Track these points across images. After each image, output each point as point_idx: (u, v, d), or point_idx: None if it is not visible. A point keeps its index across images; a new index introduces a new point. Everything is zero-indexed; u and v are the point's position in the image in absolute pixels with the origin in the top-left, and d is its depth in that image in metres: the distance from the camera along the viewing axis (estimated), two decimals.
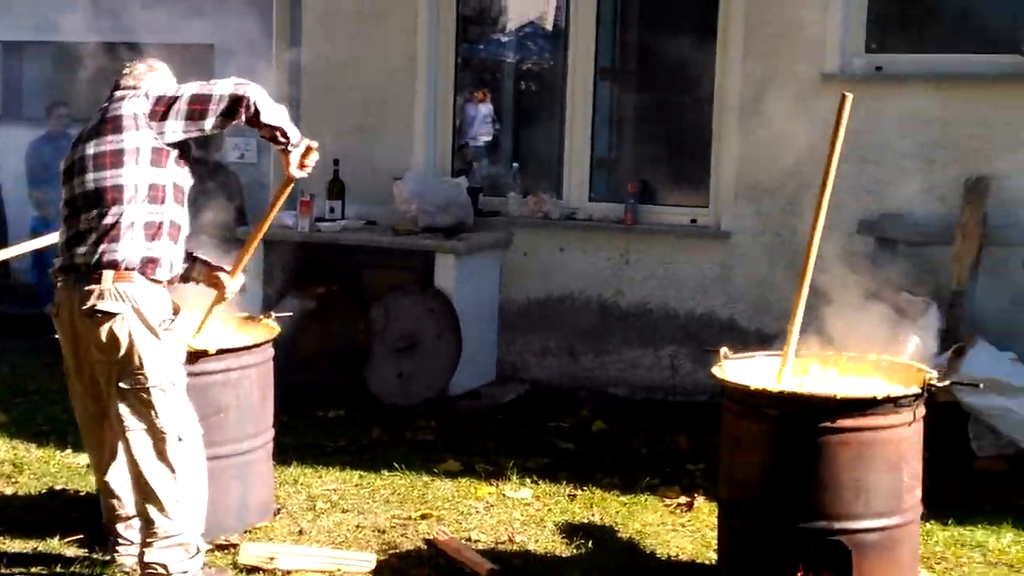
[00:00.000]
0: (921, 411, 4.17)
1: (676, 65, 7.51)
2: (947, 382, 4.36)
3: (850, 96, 4.23)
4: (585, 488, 5.46)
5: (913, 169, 6.60)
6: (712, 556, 4.62)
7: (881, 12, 6.84)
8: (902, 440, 4.13)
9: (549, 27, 8.42)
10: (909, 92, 6.60)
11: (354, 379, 6.94)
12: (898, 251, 6.54)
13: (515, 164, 7.77)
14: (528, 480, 5.55)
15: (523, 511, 5.20)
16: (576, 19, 7.48)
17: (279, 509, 5.12)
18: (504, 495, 5.38)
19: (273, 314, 5.10)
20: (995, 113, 6.44)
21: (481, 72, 8.50)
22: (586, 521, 5.09)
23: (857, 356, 4.56)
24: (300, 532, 4.91)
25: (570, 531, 4.96)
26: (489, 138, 8.42)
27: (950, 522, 5.02)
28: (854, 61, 6.79)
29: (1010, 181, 6.39)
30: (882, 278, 6.28)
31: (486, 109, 8.33)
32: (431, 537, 4.84)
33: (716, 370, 4.37)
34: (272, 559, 4.50)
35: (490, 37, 8.56)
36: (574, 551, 4.77)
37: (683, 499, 5.30)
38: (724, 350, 4.46)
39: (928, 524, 4.90)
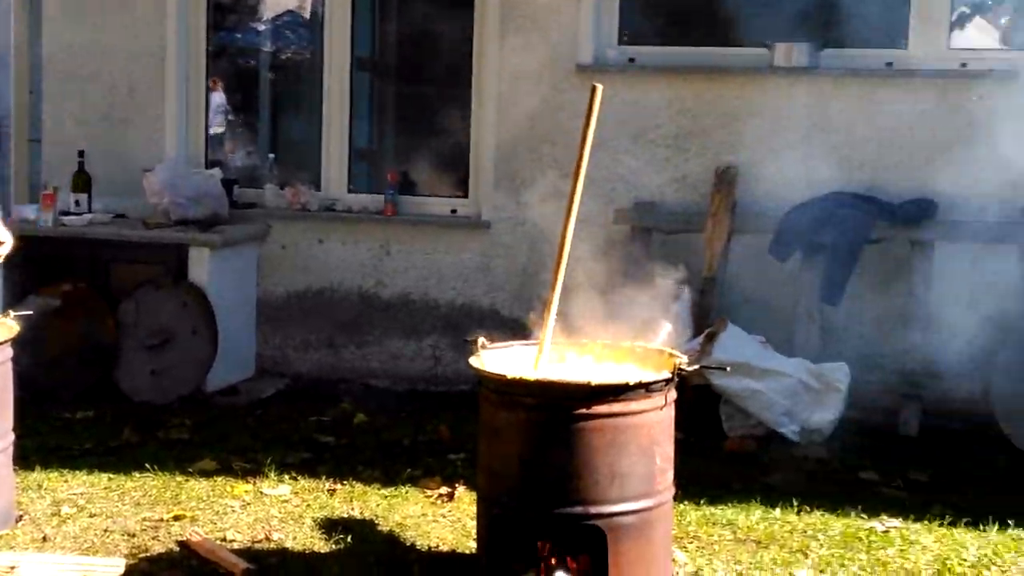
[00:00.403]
0: (672, 395, 4.25)
1: (435, 55, 7.52)
2: (697, 366, 4.45)
3: (600, 87, 4.29)
4: (345, 482, 5.38)
5: (666, 158, 6.77)
6: (472, 545, 4.61)
7: (633, 4, 6.99)
8: (654, 424, 4.20)
9: (307, 16, 8.27)
10: (661, 83, 6.77)
11: (104, 378, 6.69)
12: (652, 239, 6.68)
13: (272, 155, 7.61)
14: (287, 476, 5.43)
15: (281, 508, 5.08)
16: (332, 8, 7.37)
17: (21, 516, 4.87)
18: (262, 492, 5.25)
19: (12, 313, 4.85)
20: (743, 104, 6.65)
21: (237, 61, 8.30)
22: (346, 516, 5.02)
23: (612, 343, 4.62)
24: (44, 539, 4.68)
25: (329, 526, 4.88)
26: (222, 128, 8.21)
27: (703, 502, 5.15)
28: (608, 52, 6.91)
29: (758, 170, 6.61)
30: (637, 266, 6.43)
31: (220, 98, 8.10)
32: (184, 539, 4.68)
33: (474, 360, 4.35)
34: (12, 568, 4.27)
35: (247, 25, 8.35)
36: (333, 546, 4.69)
37: (444, 490, 5.28)
38: (482, 340, 4.45)
39: (682, 504, 5.02)
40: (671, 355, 4.42)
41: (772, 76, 6.61)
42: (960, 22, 6.98)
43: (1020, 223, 6.21)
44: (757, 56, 6.70)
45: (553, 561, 4.10)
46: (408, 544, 4.74)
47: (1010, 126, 6.18)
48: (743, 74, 6.67)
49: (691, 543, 4.78)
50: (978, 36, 7.27)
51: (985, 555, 4.70)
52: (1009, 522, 4.98)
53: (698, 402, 6.10)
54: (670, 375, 4.20)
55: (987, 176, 6.32)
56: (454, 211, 7.23)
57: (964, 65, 6.45)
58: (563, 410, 4.10)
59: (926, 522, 5.01)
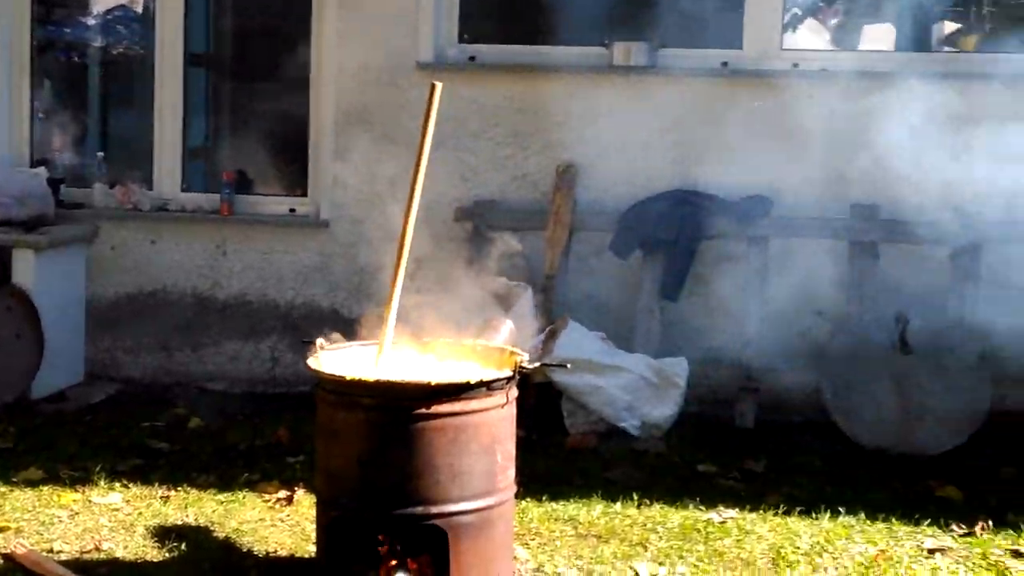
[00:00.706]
0: (514, 393, 4.23)
1: (272, 52, 7.38)
2: (538, 364, 4.45)
3: (439, 85, 4.26)
4: (180, 489, 5.24)
5: (506, 156, 6.77)
6: (312, 549, 4.53)
7: (473, 2, 6.97)
8: (496, 422, 4.17)
9: (139, 10, 8.05)
10: (502, 81, 6.77)
11: None
12: (495, 237, 6.66)
13: (100, 153, 7.37)
14: (118, 484, 5.26)
15: (111, 517, 4.92)
16: (164, 2, 7.18)
17: None
18: (91, 501, 5.07)
19: None
20: (583, 103, 6.68)
21: (65, 56, 8.02)
22: (180, 523, 4.88)
23: (453, 342, 4.59)
24: None
25: (163, 534, 4.73)
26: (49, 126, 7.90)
27: (545, 498, 5.15)
28: (448, 51, 6.88)
29: (598, 168, 6.66)
30: (479, 264, 6.42)
31: (47, 95, 7.81)
32: (8, 551, 4.49)
33: (312, 361, 4.27)
34: None
35: (76, 20, 8.08)
36: (166, 554, 4.55)
37: (283, 493, 5.18)
38: (320, 340, 4.37)
39: (524, 502, 5.02)
40: (512, 353, 4.40)
41: (611, 75, 6.67)
42: (792, 24, 7.14)
43: (850, 218, 6.37)
44: (596, 55, 6.74)
45: (394, 562, 4.05)
46: (245, 550, 4.64)
47: (840, 125, 6.37)
48: (583, 73, 6.71)
49: (533, 540, 4.77)
50: (810, 37, 7.46)
51: (818, 543, 4.80)
52: (840, 510, 5.10)
53: (540, 399, 6.13)
54: (511, 373, 4.19)
55: (818, 173, 6.49)
56: (292, 210, 7.11)
57: (796, 65, 6.60)
58: (403, 410, 4.04)
59: (762, 512, 5.10)
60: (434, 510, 4.06)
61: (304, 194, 7.11)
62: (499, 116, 6.77)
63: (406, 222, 4.30)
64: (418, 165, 4.25)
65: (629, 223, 6.44)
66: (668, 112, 6.62)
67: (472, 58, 6.88)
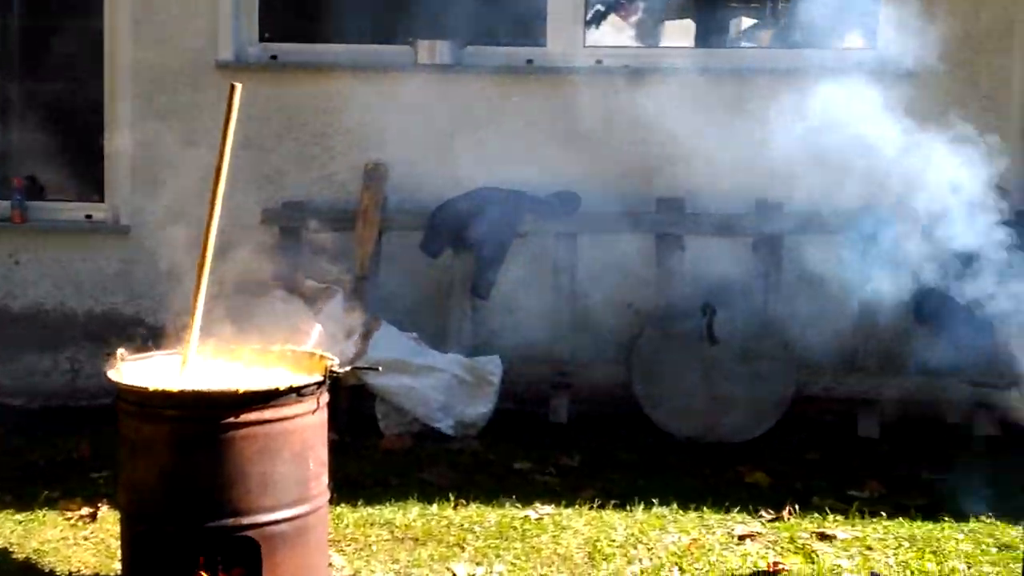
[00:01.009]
0: (325, 398, 4.16)
1: (63, 52, 7.09)
2: (348, 368, 4.38)
3: (239, 86, 4.17)
4: None
5: (313, 157, 6.67)
6: (117, 567, 4.36)
7: (275, 0, 6.84)
8: (307, 429, 4.10)
9: None
10: (306, 80, 6.66)
11: None
12: (303, 239, 6.56)
13: None
14: None
15: None
16: None
17: None
18: None
19: None
20: (390, 101, 6.62)
21: None
22: None
23: (262, 348, 4.49)
24: None
25: None
26: None
27: (360, 503, 5.09)
28: (248, 50, 6.74)
29: (406, 167, 6.60)
30: (288, 267, 6.31)
31: None
32: None
33: (113, 373, 4.11)
34: None
35: None
36: None
37: (86, 510, 4.98)
38: (120, 351, 4.22)
39: (339, 507, 4.95)
40: (322, 357, 4.33)
41: (417, 73, 6.62)
42: (596, 20, 7.22)
43: (656, 213, 6.46)
44: (401, 53, 6.69)
45: None
46: (47, 571, 4.45)
47: (645, 120, 6.45)
48: (388, 71, 6.64)
49: (349, 545, 4.70)
50: (614, 34, 7.55)
51: (632, 534, 4.86)
52: (654, 501, 5.18)
53: (354, 402, 6.06)
54: (321, 378, 4.11)
55: (625, 169, 6.58)
56: (89, 216, 6.85)
57: (599, 62, 6.67)
58: (210, 420, 3.93)
59: (577, 507, 5.14)
60: (246, 521, 3.96)
61: (101, 199, 6.86)
62: (304, 116, 6.66)
63: (209, 226, 4.18)
64: (219, 168, 4.14)
65: (439, 222, 6.41)
66: (475, 110, 6.62)
67: (274, 57, 6.75)
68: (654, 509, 5.13)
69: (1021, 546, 4.49)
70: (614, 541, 4.80)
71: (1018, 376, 4.17)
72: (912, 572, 4.56)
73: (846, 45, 6.75)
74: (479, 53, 6.69)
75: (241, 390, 3.96)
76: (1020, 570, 4.28)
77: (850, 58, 6.51)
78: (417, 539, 4.78)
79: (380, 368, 4.61)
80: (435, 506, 5.10)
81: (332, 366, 4.18)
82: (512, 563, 4.58)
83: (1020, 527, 4.35)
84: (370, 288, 6.41)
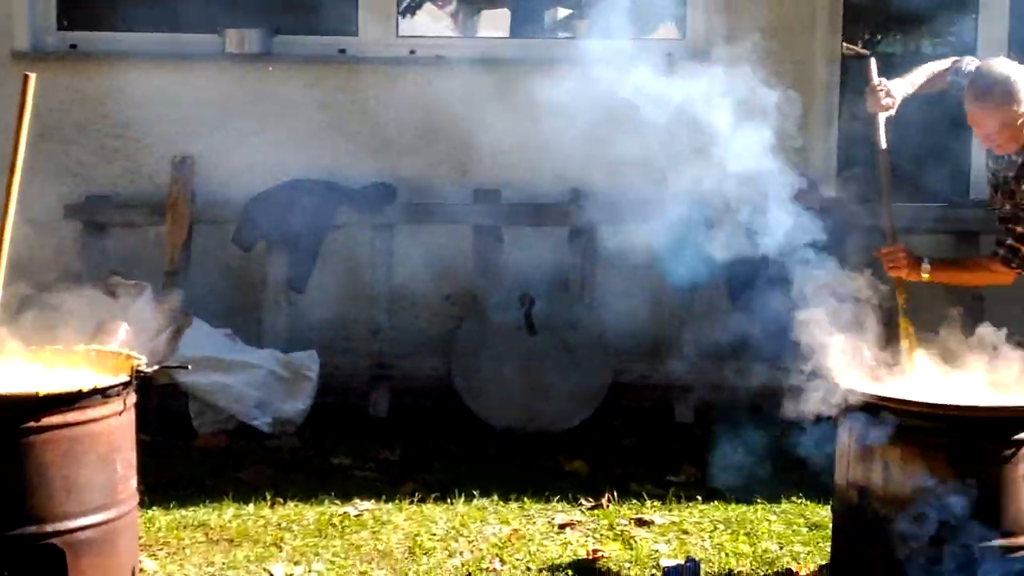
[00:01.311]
0: (132, 399, 4.01)
1: None
2: (157, 366, 4.23)
3: (33, 76, 4.00)
4: None
5: (116, 149, 6.45)
6: None
7: None
8: (114, 431, 3.95)
9: None
10: (108, 70, 6.43)
11: None
12: (108, 234, 6.35)
13: None
14: None
15: None
16: None
17: None
18: None
19: None
20: (197, 92, 6.46)
21: None
22: None
23: (64, 348, 4.31)
24: None
25: None
26: None
27: (173, 504, 4.95)
28: (46, 38, 6.48)
29: (216, 159, 6.45)
30: (93, 263, 6.10)
31: None
32: None
33: None
34: None
35: None
36: None
37: None
38: None
39: (151, 510, 4.81)
40: (129, 357, 4.18)
41: (225, 63, 6.47)
42: (410, 10, 7.16)
43: (473, 203, 6.45)
44: (209, 42, 6.52)
45: None
46: None
47: (460, 111, 6.42)
48: (195, 61, 6.47)
49: (161, 549, 4.57)
50: (431, 24, 7.51)
51: (453, 527, 4.84)
52: (475, 493, 5.17)
53: (166, 401, 5.89)
54: (128, 378, 3.97)
55: (441, 159, 6.55)
56: None
57: (413, 52, 6.61)
58: (9, 424, 3.75)
59: (397, 501, 5.09)
60: (49, 528, 3.80)
61: None
62: (107, 107, 6.43)
63: (4, 223, 3.99)
64: (14, 162, 3.96)
65: (252, 214, 6.27)
66: (288, 100, 6.49)
67: (74, 46, 6.50)
68: (475, 501, 5.11)
69: (830, 525, 4.60)
70: (435, 535, 4.77)
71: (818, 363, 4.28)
72: (727, 554, 4.66)
73: (657, 34, 6.84)
74: (290, 42, 6.57)
75: (41, 392, 3.79)
76: (830, 548, 4.39)
77: (660, 48, 6.59)
78: (232, 540, 4.66)
79: (190, 366, 4.47)
80: (251, 506, 4.99)
81: (139, 365, 4.04)
82: (331, 561, 4.51)
83: (829, 506, 4.47)
84: (180, 284, 6.23)
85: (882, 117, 4.42)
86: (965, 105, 4.10)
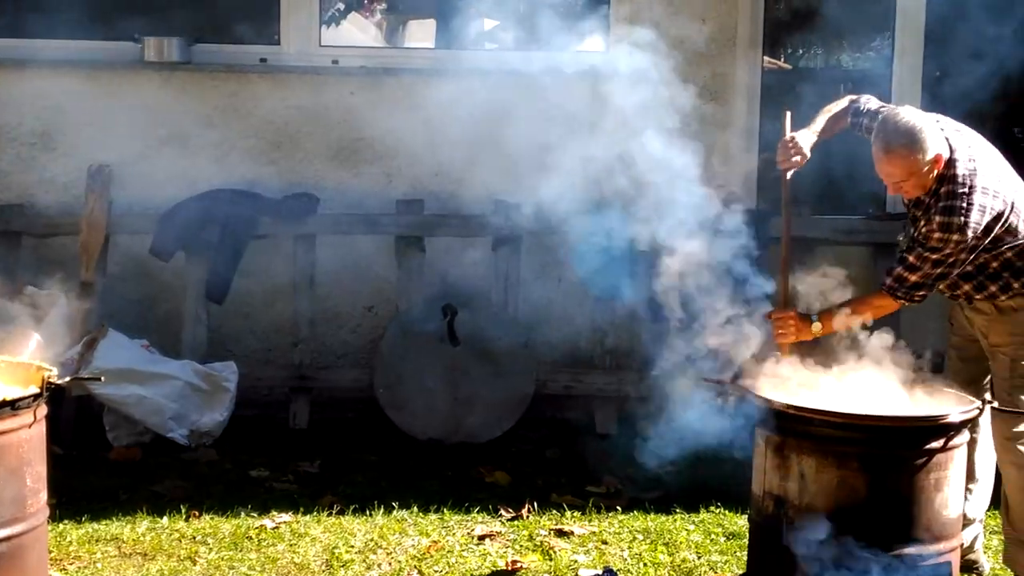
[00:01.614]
0: (43, 411, 3.95)
1: None
2: (69, 378, 4.16)
3: None
4: None
5: (34, 157, 6.34)
6: None
7: None
8: (23, 443, 3.88)
9: None
10: (22, 78, 6.34)
11: None
12: (23, 244, 6.24)
13: None
14: None
15: None
16: None
17: None
18: None
19: None
20: (115, 100, 6.37)
21: None
22: None
23: None
24: None
25: None
26: None
27: (85, 518, 4.87)
28: None
29: (134, 168, 6.37)
30: (7, 273, 5.99)
31: None
32: None
33: None
34: None
35: None
36: None
37: None
38: None
39: (62, 524, 4.73)
40: (40, 368, 4.11)
41: (144, 71, 6.38)
42: (334, 20, 7.12)
43: (396, 214, 6.42)
44: (127, 50, 6.43)
45: None
46: None
47: (383, 121, 6.41)
48: (113, 69, 6.38)
49: (72, 564, 4.49)
50: (356, 34, 7.47)
51: (372, 539, 4.80)
52: (394, 505, 5.14)
53: (80, 413, 5.79)
54: (39, 390, 3.90)
55: (364, 169, 6.51)
56: None
57: (336, 62, 6.56)
58: None
59: (316, 513, 5.04)
60: None
61: None
62: (22, 115, 6.33)
63: None
64: None
65: (170, 224, 6.19)
66: (207, 109, 6.42)
67: None
68: (395, 513, 5.08)
69: (747, 534, 4.62)
70: (353, 547, 4.73)
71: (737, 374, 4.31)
72: (646, 564, 4.67)
73: (581, 47, 6.86)
74: (210, 51, 6.49)
75: None
76: (746, 558, 4.42)
77: (583, 60, 6.61)
78: (146, 554, 4.59)
79: (103, 377, 4.39)
80: (166, 519, 4.92)
81: (51, 377, 3.97)
82: (246, 574, 4.46)
83: (746, 516, 4.50)
84: (96, 294, 6.13)
85: (790, 173, 4.44)
86: (873, 154, 4.15)
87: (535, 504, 5.20)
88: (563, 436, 6.23)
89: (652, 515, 5.16)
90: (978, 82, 7.21)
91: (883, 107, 4.38)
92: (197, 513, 4.98)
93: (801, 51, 8.58)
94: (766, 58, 7.09)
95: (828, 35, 7.93)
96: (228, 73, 6.43)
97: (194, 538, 4.75)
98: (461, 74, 6.48)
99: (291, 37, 6.55)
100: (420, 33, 7.83)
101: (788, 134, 4.42)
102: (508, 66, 6.67)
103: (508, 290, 6.42)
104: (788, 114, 4.49)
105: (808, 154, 4.38)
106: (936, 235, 4.06)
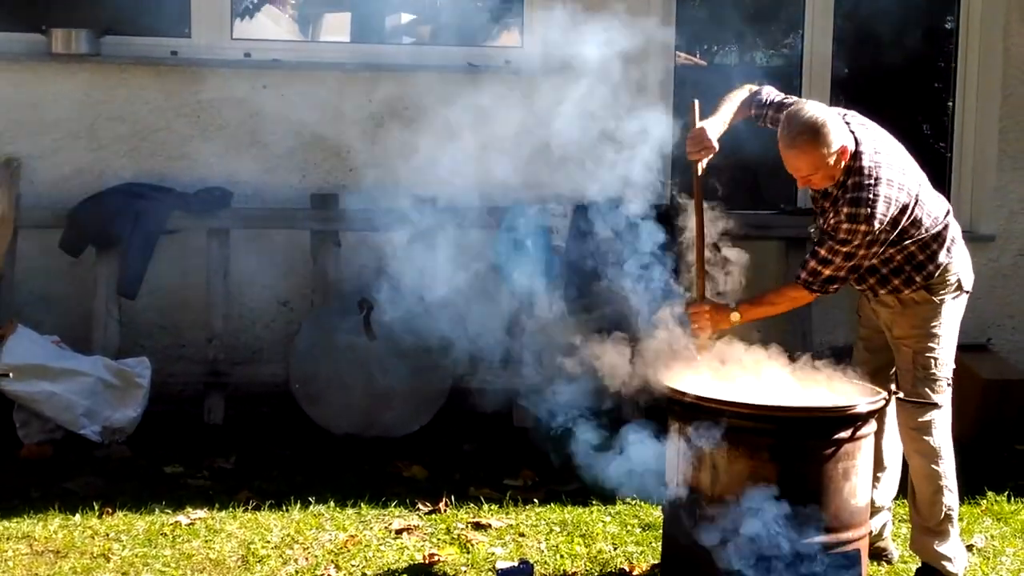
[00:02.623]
0: None
1: None
2: None
3: None
4: None
5: None
6: None
7: None
8: None
9: None
10: None
11: None
12: None
13: None
14: None
15: None
16: None
17: None
18: None
19: None
20: (22, 92, 6.27)
21: None
22: None
23: None
24: None
25: None
26: None
27: None
28: None
29: (43, 161, 6.28)
30: None
31: None
32: None
33: None
34: None
35: None
36: None
37: None
38: None
39: None
40: None
41: (52, 63, 6.28)
42: (248, 12, 7.05)
43: (310, 208, 6.38)
44: (34, 42, 6.31)
45: None
46: None
47: (297, 115, 6.37)
48: (20, 60, 6.27)
49: None
50: (270, 27, 7.40)
51: (288, 535, 4.78)
52: (311, 500, 5.11)
53: None
54: None
55: (278, 163, 6.47)
56: None
57: (248, 55, 6.51)
58: None
59: (232, 509, 5.01)
60: None
61: None
62: None
63: None
64: None
65: (80, 219, 6.10)
66: (117, 102, 6.34)
67: None
68: (311, 508, 5.06)
69: (662, 525, 4.68)
70: (269, 542, 4.71)
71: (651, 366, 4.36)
72: (562, 556, 4.70)
73: (496, 42, 6.88)
74: (120, 43, 6.40)
75: None
76: (660, 548, 4.47)
77: (499, 55, 6.63)
78: (58, 552, 4.53)
79: (11, 374, 4.32)
80: (79, 516, 4.86)
81: None
82: (161, 571, 4.42)
83: (661, 507, 4.55)
84: (6, 289, 6.03)
85: (700, 165, 4.47)
86: (780, 149, 4.21)
87: (452, 498, 5.21)
88: (481, 430, 6.24)
89: (569, 507, 5.19)
90: (886, 78, 7.36)
91: (786, 99, 4.44)
92: (110, 510, 4.92)
93: (716, 47, 8.67)
94: (683, 54, 7.16)
95: (743, 31, 8.02)
96: (138, 66, 6.35)
97: (107, 535, 4.70)
98: (375, 68, 6.47)
99: (202, 30, 6.48)
100: (335, 27, 7.78)
101: (697, 125, 4.45)
102: (423, 60, 6.67)
103: (425, 284, 6.40)
104: (696, 104, 4.52)
105: (716, 145, 4.41)
106: (844, 226, 4.13)
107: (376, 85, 6.48)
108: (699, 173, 4.46)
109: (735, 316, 4.37)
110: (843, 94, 7.01)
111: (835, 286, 4.27)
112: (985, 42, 6.85)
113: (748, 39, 8.07)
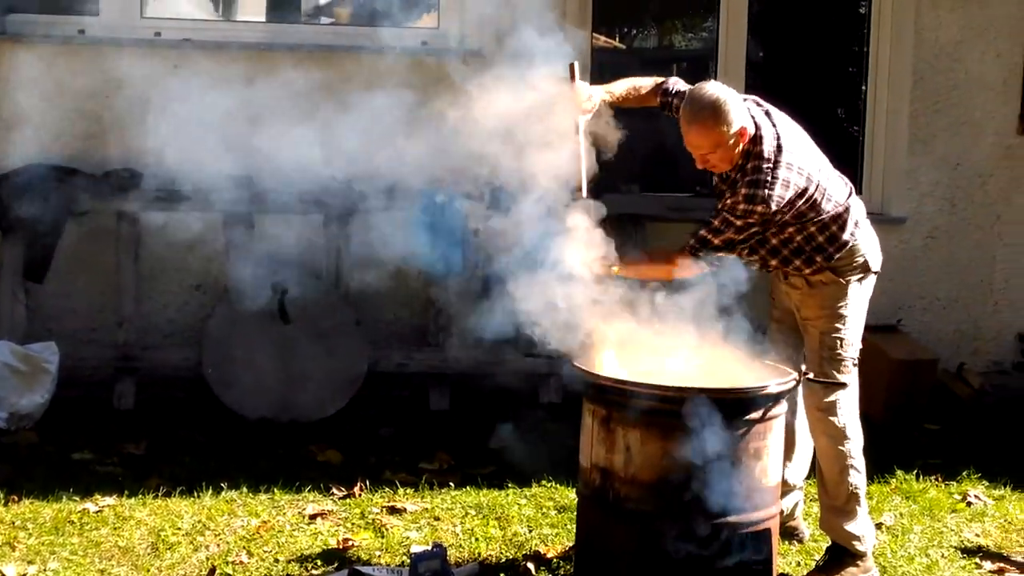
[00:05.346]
0: None
1: None
2: None
3: None
4: None
5: None
6: None
7: None
8: None
9: None
10: None
11: None
12: None
13: None
14: None
15: None
16: None
17: None
18: None
19: None
20: None
21: None
22: None
23: None
24: None
25: None
26: None
27: None
28: None
29: None
30: None
31: None
32: None
33: None
34: None
35: None
36: None
37: None
38: None
39: None
40: None
41: None
42: None
43: (223, 191, 6.28)
44: None
45: None
46: None
47: (208, 96, 6.26)
48: None
49: None
50: (183, 5, 7.27)
51: (200, 521, 4.72)
52: (223, 485, 5.06)
53: None
54: None
55: (190, 144, 6.35)
56: None
57: (158, 34, 6.40)
58: None
59: (142, 496, 4.94)
60: None
61: None
62: None
63: None
64: None
65: None
66: (24, 81, 6.19)
67: None
68: (223, 493, 5.00)
69: (576, 508, 4.69)
70: (180, 529, 4.64)
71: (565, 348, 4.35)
72: (477, 539, 4.69)
73: (413, 24, 6.83)
74: (25, 20, 6.26)
75: None
76: (575, 530, 4.47)
77: (415, 36, 6.58)
78: None
79: None
80: None
81: None
82: (68, 559, 4.34)
83: (576, 489, 4.55)
84: None
85: (582, 120, 4.46)
86: (680, 125, 4.23)
87: (367, 482, 5.18)
88: (396, 414, 6.22)
89: (485, 490, 5.18)
90: (801, 61, 7.43)
91: (692, 88, 4.47)
92: (16, 498, 4.82)
93: (635, 31, 8.70)
94: (602, 37, 7.16)
95: (660, 16, 8.06)
96: (44, 44, 6.22)
97: (13, 523, 4.60)
98: (289, 48, 6.40)
99: (111, 7, 6.36)
100: (251, 6, 7.69)
101: (576, 82, 4.45)
102: (341, 40, 6.60)
103: (340, 268, 6.36)
104: (574, 64, 4.51)
105: (596, 103, 4.41)
106: (741, 207, 4.16)
107: (292, 65, 6.40)
108: (580, 127, 4.42)
109: (614, 269, 4.38)
110: (758, 77, 7.05)
111: (719, 255, 4.28)
112: (897, 26, 6.91)
113: (666, 23, 8.12)
